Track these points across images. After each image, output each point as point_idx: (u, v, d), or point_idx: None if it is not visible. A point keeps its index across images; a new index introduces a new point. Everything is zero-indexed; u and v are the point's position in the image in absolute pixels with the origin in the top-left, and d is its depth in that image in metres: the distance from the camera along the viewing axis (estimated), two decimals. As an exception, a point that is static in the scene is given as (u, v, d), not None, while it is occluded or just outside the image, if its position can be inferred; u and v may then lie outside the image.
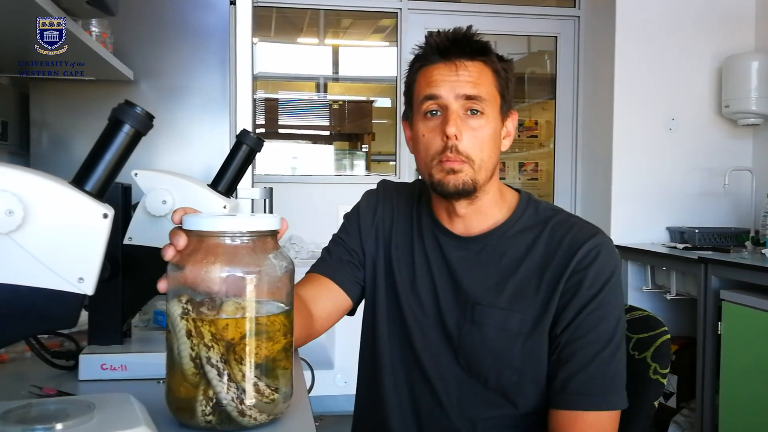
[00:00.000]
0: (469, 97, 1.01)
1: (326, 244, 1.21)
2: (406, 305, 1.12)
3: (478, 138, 1.02)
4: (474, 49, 1.03)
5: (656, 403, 1.07)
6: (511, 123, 1.10)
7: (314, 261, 1.20)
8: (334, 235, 1.22)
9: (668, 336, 1.09)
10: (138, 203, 1.04)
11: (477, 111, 1.02)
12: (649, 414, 1.07)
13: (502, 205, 1.10)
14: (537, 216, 1.10)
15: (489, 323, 1.04)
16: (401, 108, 1.14)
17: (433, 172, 1.03)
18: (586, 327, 1.00)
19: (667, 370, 1.08)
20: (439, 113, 1.03)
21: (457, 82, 1.01)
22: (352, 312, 1.21)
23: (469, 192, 1.03)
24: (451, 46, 1.02)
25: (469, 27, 1.05)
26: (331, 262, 1.17)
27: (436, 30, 1.06)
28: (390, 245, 1.16)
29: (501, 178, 1.14)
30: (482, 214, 1.09)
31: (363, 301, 1.20)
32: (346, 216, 1.22)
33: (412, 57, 1.09)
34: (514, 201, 1.12)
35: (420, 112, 1.05)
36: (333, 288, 1.14)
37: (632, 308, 1.16)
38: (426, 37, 1.06)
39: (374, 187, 1.25)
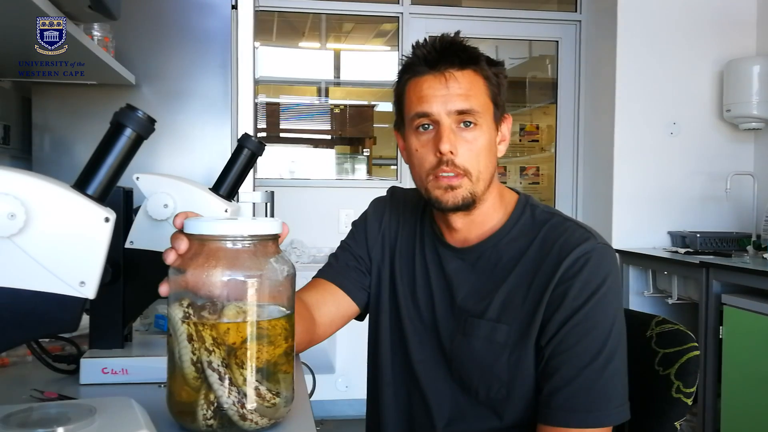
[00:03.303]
0: (461, 112, 0.99)
1: (327, 248, 1.21)
2: (406, 316, 1.11)
3: (474, 150, 1.00)
4: (463, 58, 1.00)
5: (678, 424, 1.00)
6: (506, 127, 1.07)
7: (316, 265, 1.20)
8: (341, 242, 1.21)
9: (697, 352, 1.01)
10: (139, 207, 1.04)
11: (470, 123, 1.00)
12: None
13: (500, 209, 1.08)
14: (533, 221, 1.06)
15: (477, 335, 1.02)
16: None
17: (429, 187, 1.02)
18: (570, 340, 0.95)
19: (693, 389, 0.99)
20: (431, 127, 1.00)
21: (448, 96, 0.99)
22: (360, 317, 1.20)
23: (467, 206, 1.02)
24: (439, 57, 0.99)
25: (457, 33, 1.02)
26: (338, 268, 1.16)
27: (424, 39, 1.03)
28: (394, 254, 1.16)
29: (502, 182, 1.12)
30: (480, 223, 1.07)
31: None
32: (354, 223, 1.22)
33: (402, 66, 1.05)
34: (512, 204, 1.09)
35: (411, 127, 1.02)
36: (338, 293, 1.14)
37: (664, 321, 1.09)
38: (413, 46, 1.03)
39: (382, 193, 1.24)
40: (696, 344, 1.03)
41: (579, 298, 0.95)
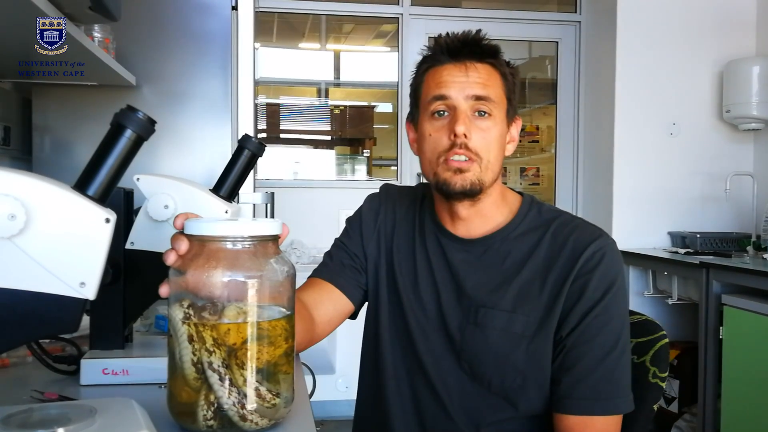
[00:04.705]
0: (478, 98, 1.02)
1: (327, 249, 1.21)
2: (408, 308, 1.11)
3: (487, 138, 1.02)
4: (484, 51, 1.04)
5: (655, 407, 1.07)
6: (516, 129, 1.11)
7: (315, 266, 1.19)
8: (336, 240, 1.22)
9: (666, 340, 1.09)
10: (140, 208, 1.04)
11: (485, 113, 1.02)
12: (649, 417, 1.07)
13: (503, 208, 1.10)
14: (540, 218, 1.09)
15: (492, 325, 1.04)
16: (402, 113, 1.14)
17: (439, 171, 1.03)
18: (591, 331, 0.99)
19: (666, 374, 1.08)
20: (446, 114, 1.03)
21: (467, 83, 1.02)
22: (353, 316, 1.20)
23: (474, 193, 1.03)
24: (462, 48, 1.03)
25: (479, 30, 1.06)
26: (333, 267, 1.17)
27: (445, 33, 1.06)
28: (392, 249, 1.16)
29: (502, 183, 1.14)
30: (483, 217, 1.09)
31: (365, 306, 1.20)
32: (349, 220, 1.22)
33: (419, 59, 1.09)
34: (517, 203, 1.12)
35: (427, 113, 1.05)
36: (334, 292, 1.14)
37: (631, 312, 1.16)
38: (435, 38, 1.07)
39: (377, 191, 1.25)
40: (665, 333, 1.10)
41: (598, 291, 1.00)
